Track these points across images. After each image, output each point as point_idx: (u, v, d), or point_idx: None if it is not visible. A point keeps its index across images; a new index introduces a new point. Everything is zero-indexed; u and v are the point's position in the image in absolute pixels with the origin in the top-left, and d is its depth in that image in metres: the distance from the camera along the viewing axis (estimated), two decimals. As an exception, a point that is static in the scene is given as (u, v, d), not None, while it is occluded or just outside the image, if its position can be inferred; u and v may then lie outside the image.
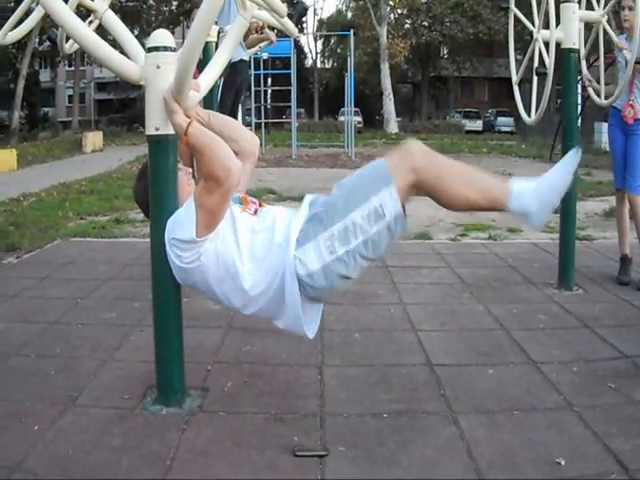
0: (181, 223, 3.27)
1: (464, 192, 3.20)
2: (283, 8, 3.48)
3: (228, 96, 7.57)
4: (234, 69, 7.46)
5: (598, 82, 6.40)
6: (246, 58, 8.02)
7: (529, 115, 6.28)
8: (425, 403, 3.63)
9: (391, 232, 3.23)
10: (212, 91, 5.75)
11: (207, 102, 5.92)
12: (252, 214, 3.44)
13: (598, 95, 6.42)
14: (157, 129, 3.37)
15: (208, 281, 3.34)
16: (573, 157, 3.32)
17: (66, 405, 3.58)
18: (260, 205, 3.53)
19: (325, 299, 3.49)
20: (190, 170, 3.75)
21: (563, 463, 2.98)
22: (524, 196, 3.22)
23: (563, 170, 3.28)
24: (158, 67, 3.32)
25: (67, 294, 5.72)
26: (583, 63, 6.43)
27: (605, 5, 5.96)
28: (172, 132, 3.35)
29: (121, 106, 59.01)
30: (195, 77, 3.43)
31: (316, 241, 3.22)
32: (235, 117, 7.22)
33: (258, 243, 3.32)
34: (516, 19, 6.38)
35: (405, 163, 3.20)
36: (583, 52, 6.37)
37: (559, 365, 4.15)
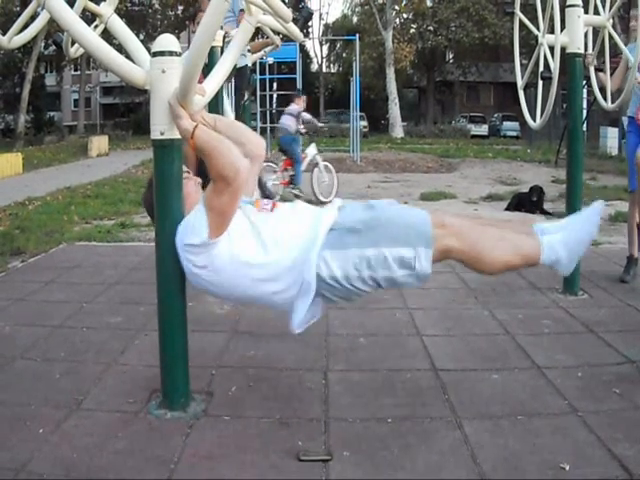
0: (192, 228, 3.27)
1: (501, 257, 3.37)
2: (288, 13, 3.49)
3: (239, 100, 7.60)
4: (241, 74, 7.48)
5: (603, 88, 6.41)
6: (249, 64, 8.02)
7: (534, 120, 6.27)
8: (429, 408, 3.63)
9: (411, 282, 3.35)
10: (217, 96, 5.75)
11: (212, 107, 5.92)
12: (270, 211, 3.46)
13: (605, 98, 6.41)
14: (162, 133, 3.38)
15: (223, 283, 3.35)
16: (599, 207, 3.42)
17: (71, 408, 3.58)
18: (274, 205, 3.54)
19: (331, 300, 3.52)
20: (199, 180, 3.75)
21: (567, 468, 2.98)
22: (554, 249, 3.39)
23: (590, 221, 3.44)
24: (163, 72, 3.33)
25: (72, 298, 5.73)
26: (592, 69, 6.41)
27: (611, 9, 5.95)
28: (177, 136, 3.36)
29: (127, 110, 59.00)
30: (200, 82, 3.43)
31: (346, 253, 3.29)
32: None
33: (279, 234, 3.35)
34: (521, 24, 6.38)
35: (445, 230, 3.33)
36: (590, 50, 6.35)
37: (564, 370, 4.14)
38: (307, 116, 14.35)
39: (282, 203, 3.58)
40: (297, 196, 12.53)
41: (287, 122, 13.46)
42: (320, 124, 17.48)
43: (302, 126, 13.82)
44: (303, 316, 3.35)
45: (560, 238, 3.39)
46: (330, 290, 3.33)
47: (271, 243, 3.32)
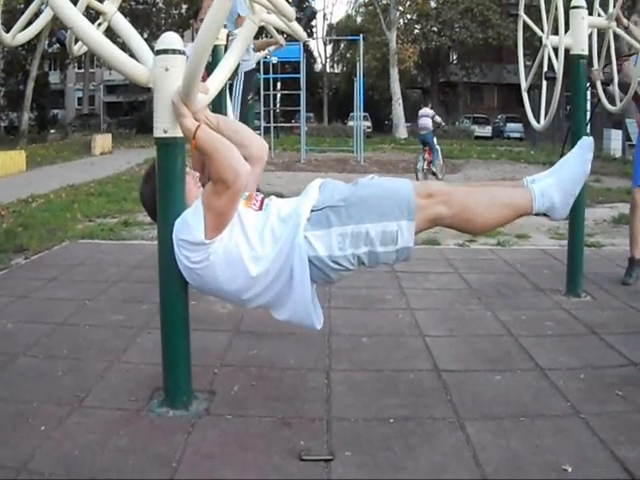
0: (189, 225, 3.27)
1: (492, 214, 3.32)
2: (292, 12, 3.48)
3: (245, 103, 7.60)
4: (249, 78, 7.49)
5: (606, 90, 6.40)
6: (254, 65, 8.03)
7: (538, 121, 6.27)
8: (432, 409, 3.62)
9: (394, 257, 3.32)
10: (221, 95, 5.74)
11: (216, 106, 5.92)
12: (257, 209, 3.44)
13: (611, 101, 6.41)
14: (165, 132, 3.37)
15: (217, 280, 3.35)
16: (589, 142, 3.36)
17: (73, 406, 3.58)
18: (262, 202, 3.52)
19: (330, 284, 3.60)
20: (198, 174, 3.75)
21: (570, 470, 2.97)
22: (546, 194, 3.31)
23: (581, 157, 3.35)
24: (167, 70, 3.32)
25: (75, 295, 5.73)
26: (599, 84, 6.39)
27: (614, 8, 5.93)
28: (180, 135, 3.35)
29: (130, 109, 59.08)
30: (204, 80, 3.43)
31: (329, 232, 3.25)
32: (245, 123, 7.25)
33: (266, 234, 3.33)
34: (525, 25, 6.37)
35: (433, 199, 3.29)
36: (596, 66, 6.34)
37: (566, 372, 4.14)
38: (438, 118, 19.87)
39: (270, 199, 3.56)
40: (434, 173, 18.51)
41: (427, 123, 19.00)
42: (443, 123, 22.64)
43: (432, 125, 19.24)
44: (314, 307, 3.37)
45: (551, 182, 3.32)
46: (316, 272, 3.30)
47: (256, 240, 3.31)
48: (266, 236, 3.32)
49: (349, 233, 3.23)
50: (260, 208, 3.45)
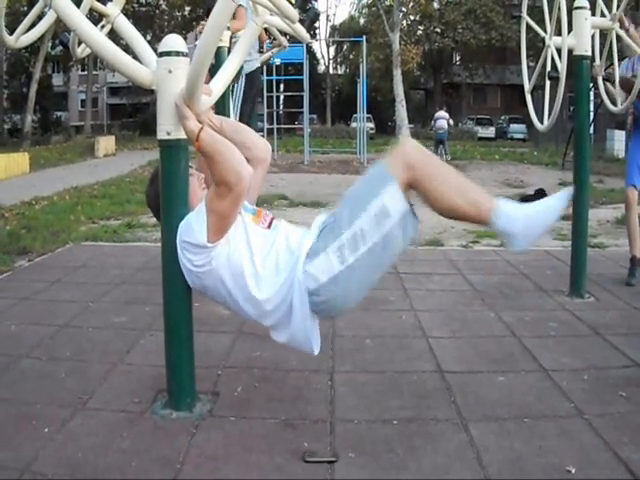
0: (192, 227, 3.27)
1: (453, 196, 3.23)
2: (295, 14, 3.48)
3: (247, 105, 7.58)
4: (252, 79, 7.49)
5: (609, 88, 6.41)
6: (259, 65, 8.02)
7: (541, 122, 6.27)
8: (435, 410, 3.62)
9: (401, 232, 3.23)
10: (224, 97, 5.75)
11: (220, 108, 5.92)
12: (266, 227, 3.46)
13: (613, 102, 6.41)
14: (168, 133, 3.37)
15: (218, 287, 3.36)
16: (566, 195, 3.34)
17: (76, 408, 3.58)
18: (271, 220, 3.53)
19: (335, 314, 3.58)
20: (203, 175, 3.75)
21: (573, 471, 2.97)
22: (512, 219, 3.26)
23: (555, 206, 3.32)
24: (170, 72, 3.33)
25: (78, 297, 5.74)
26: (600, 79, 6.39)
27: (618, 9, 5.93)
28: (183, 137, 3.35)
29: (133, 111, 59.17)
30: (207, 81, 3.43)
31: (326, 253, 3.23)
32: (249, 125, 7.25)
33: (271, 258, 3.35)
34: (528, 27, 6.38)
35: (402, 160, 3.23)
36: (598, 62, 6.35)
37: (570, 373, 4.13)
38: (451, 121, 23.54)
39: (279, 220, 3.56)
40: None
41: (443, 124, 22.38)
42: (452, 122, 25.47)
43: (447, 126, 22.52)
44: (315, 335, 3.40)
45: (521, 213, 3.27)
46: (320, 305, 3.30)
47: (260, 260, 3.33)
48: (270, 261, 3.34)
49: (345, 242, 3.21)
50: (268, 227, 3.47)
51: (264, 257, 3.34)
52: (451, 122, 23.37)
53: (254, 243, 3.36)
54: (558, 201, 3.34)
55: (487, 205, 3.28)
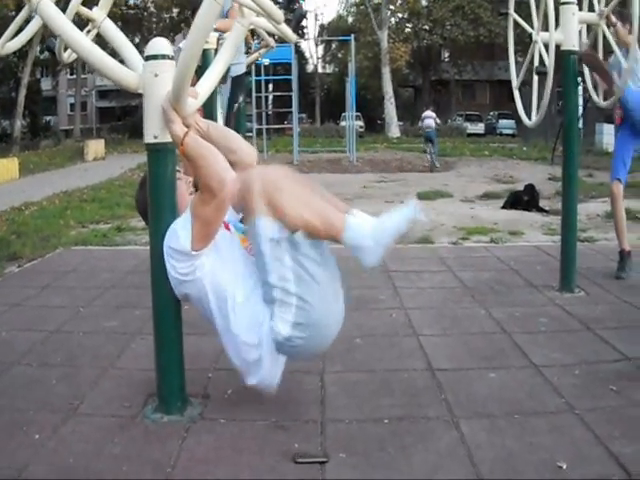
0: (177, 233, 3.29)
1: (300, 209, 3.22)
2: (280, 15, 3.49)
3: (232, 108, 7.56)
4: (238, 82, 7.47)
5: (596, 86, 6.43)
6: (245, 70, 7.98)
7: (529, 118, 6.28)
8: (426, 408, 3.63)
9: (305, 254, 3.27)
10: (211, 100, 5.74)
11: (207, 110, 5.91)
12: (252, 255, 3.46)
13: (599, 94, 6.43)
14: (155, 137, 3.38)
15: (202, 299, 3.40)
16: (415, 206, 3.32)
17: (67, 414, 3.58)
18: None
19: (315, 351, 3.63)
20: (191, 179, 3.76)
21: (564, 467, 2.97)
22: (358, 231, 3.24)
23: (403, 216, 3.28)
24: (156, 75, 3.33)
25: (69, 302, 5.73)
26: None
27: (606, 6, 5.94)
28: (171, 140, 3.35)
29: (123, 114, 59.05)
30: (193, 84, 3.43)
31: (274, 314, 3.31)
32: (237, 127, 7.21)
33: (253, 298, 3.39)
34: (516, 23, 6.38)
35: (256, 195, 3.22)
36: (585, 39, 6.35)
37: (561, 368, 4.14)
38: (438, 120, 24.27)
39: None
40: (432, 162, 21.80)
41: (432, 123, 22.87)
42: (439, 121, 25.89)
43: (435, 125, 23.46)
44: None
45: (369, 224, 3.26)
46: (297, 348, 3.40)
47: (241, 291, 3.37)
48: (250, 302, 3.38)
49: (278, 294, 3.29)
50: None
51: (250, 289, 3.39)
52: (438, 121, 24.27)
53: (242, 267, 3.42)
54: (405, 213, 3.30)
55: (335, 218, 3.29)
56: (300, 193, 3.29)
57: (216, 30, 6.06)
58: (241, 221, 3.73)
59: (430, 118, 23.13)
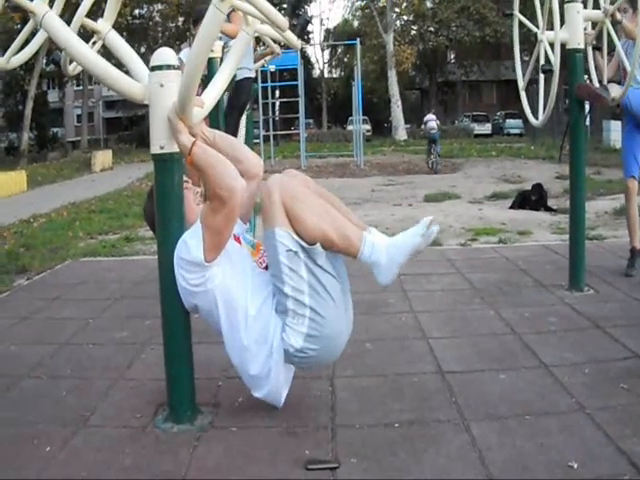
0: (188, 244, 3.29)
1: (318, 221, 3.27)
2: (284, 22, 3.48)
3: (232, 115, 7.50)
4: (239, 88, 7.43)
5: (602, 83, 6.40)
6: (252, 75, 7.93)
7: (536, 117, 6.26)
8: (437, 411, 3.62)
9: (321, 267, 3.31)
10: (217, 108, 5.75)
11: (213, 120, 5.92)
12: (263, 268, 3.51)
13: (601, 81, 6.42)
14: (162, 147, 3.38)
15: (212, 310, 3.41)
16: (425, 223, 3.34)
17: (78, 425, 3.58)
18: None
19: (322, 364, 3.70)
20: (198, 190, 3.77)
21: (576, 466, 2.96)
22: (376, 248, 3.33)
23: (414, 232, 3.35)
24: (162, 86, 3.34)
25: (78, 314, 5.74)
26: (590, 48, 6.37)
27: (612, 4, 5.92)
28: (177, 150, 3.36)
29: (130, 124, 59.20)
30: (199, 94, 3.44)
31: (287, 325, 3.33)
32: (236, 135, 7.15)
33: (261, 303, 3.40)
34: (521, 23, 6.37)
35: (275, 205, 3.27)
36: (589, 29, 6.33)
37: (571, 367, 4.13)
38: (438, 122, 24.92)
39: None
40: (435, 162, 22.14)
41: (434, 125, 23.56)
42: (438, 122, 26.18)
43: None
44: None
45: (384, 242, 3.36)
46: (308, 360, 3.42)
47: (250, 296, 3.39)
48: (261, 315, 3.39)
49: (291, 308, 3.32)
50: (266, 268, 3.50)
51: (261, 302, 3.40)
52: (438, 122, 25.29)
53: (252, 280, 3.43)
54: (418, 228, 3.36)
55: (354, 234, 3.35)
56: (319, 205, 3.34)
57: (222, 36, 6.06)
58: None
59: (432, 121, 23.99)
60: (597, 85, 6.34)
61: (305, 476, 3.02)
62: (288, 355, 3.35)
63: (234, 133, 6.95)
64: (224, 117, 7.10)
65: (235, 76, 6.94)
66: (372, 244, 3.32)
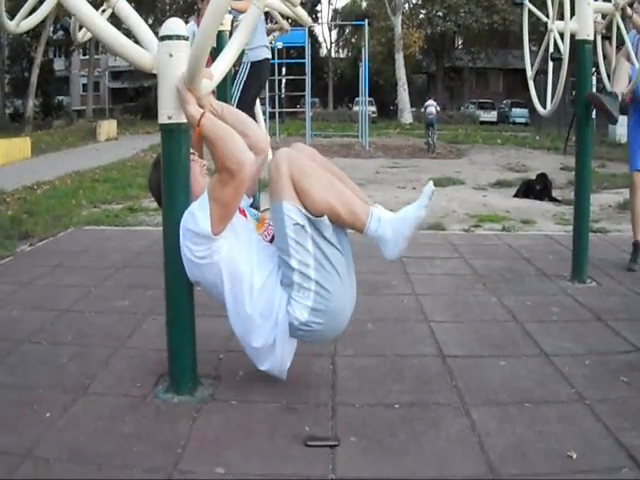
0: (195, 215, 3.28)
1: (326, 194, 3.29)
2: (297, -3, 3.48)
3: (249, 93, 7.44)
4: (259, 68, 7.38)
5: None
6: (269, 56, 7.86)
7: (544, 107, 6.24)
8: (437, 394, 3.62)
9: (328, 241, 3.32)
10: (225, 82, 5.73)
11: (221, 93, 5.90)
12: (268, 242, 3.51)
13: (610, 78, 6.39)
14: (169, 117, 3.36)
15: (217, 283, 3.40)
16: (429, 193, 3.35)
17: (78, 393, 3.59)
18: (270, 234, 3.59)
19: (325, 338, 3.69)
20: (205, 162, 3.76)
21: (574, 456, 2.96)
22: (382, 222, 3.35)
23: (418, 204, 3.37)
24: (171, 55, 3.32)
25: (80, 282, 5.74)
26: (599, 37, 6.35)
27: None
28: (184, 121, 3.34)
29: (135, 95, 59.12)
30: (208, 65, 3.42)
31: (292, 298, 3.34)
32: (253, 114, 7.07)
33: (270, 282, 3.40)
34: (530, 12, 6.35)
35: (283, 178, 3.28)
36: (599, 18, 6.30)
37: (571, 358, 4.13)
38: (438, 108, 26.40)
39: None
40: (430, 144, 23.67)
41: (433, 110, 24.67)
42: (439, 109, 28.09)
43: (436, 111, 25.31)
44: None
45: (389, 216, 3.37)
46: (312, 333, 3.45)
47: (259, 277, 3.39)
48: (266, 288, 3.39)
49: (296, 281, 3.33)
50: (271, 241, 3.51)
51: (263, 275, 3.40)
52: (438, 108, 26.85)
53: (258, 253, 3.43)
54: (422, 199, 3.38)
55: (360, 208, 3.37)
56: (326, 179, 3.35)
57: (232, 9, 6.03)
58: (251, 205, 3.75)
59: (432, 106, 25.11)
60: (605, 79, 6.31)
61: (304, 452, 3.02)
62: (292, 328, 3.35)
63: (248, 112, 6.92)
64: (239, 95, 7.07)
65: (245, 54, 6.92)
66: (378, 218, 3.34)
